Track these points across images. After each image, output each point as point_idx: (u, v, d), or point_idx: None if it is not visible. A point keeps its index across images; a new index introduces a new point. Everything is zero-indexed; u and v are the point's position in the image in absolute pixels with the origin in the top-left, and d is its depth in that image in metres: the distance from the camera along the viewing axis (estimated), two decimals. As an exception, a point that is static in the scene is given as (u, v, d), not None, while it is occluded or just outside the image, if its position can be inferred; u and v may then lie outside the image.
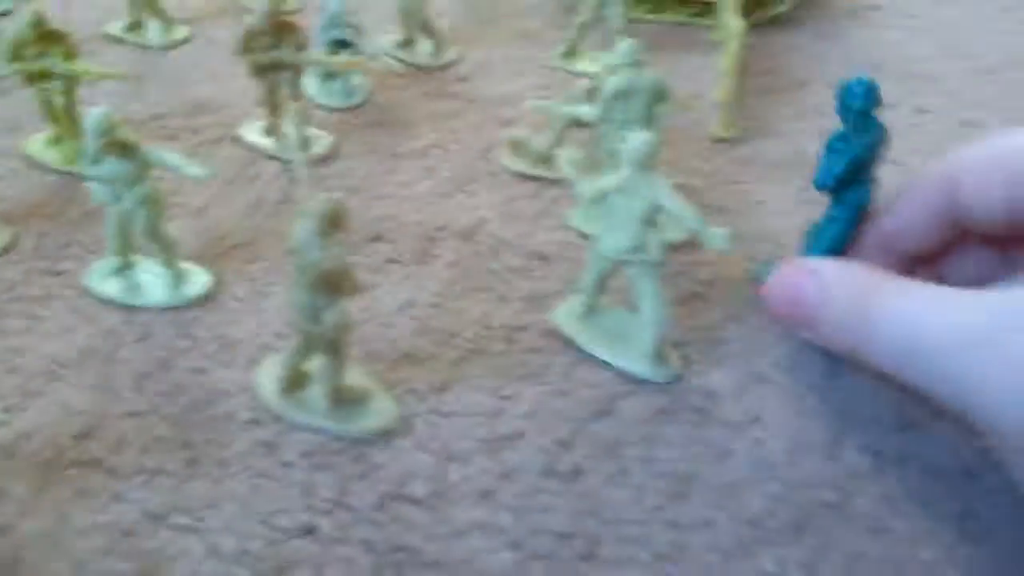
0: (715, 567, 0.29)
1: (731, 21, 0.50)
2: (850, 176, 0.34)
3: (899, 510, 0.31)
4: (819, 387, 0.36)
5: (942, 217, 0.33)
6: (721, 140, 0.51)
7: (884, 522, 0.31)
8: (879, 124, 0.34)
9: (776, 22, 0.65)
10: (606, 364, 0.36)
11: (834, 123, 0.35)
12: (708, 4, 0.64)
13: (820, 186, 0.35)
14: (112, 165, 0.36)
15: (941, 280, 0.32)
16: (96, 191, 0.37)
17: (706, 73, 0.57)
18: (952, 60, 0.61)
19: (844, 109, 0.34)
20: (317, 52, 0.46)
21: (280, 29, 0.44)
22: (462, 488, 0.32)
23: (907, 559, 0.30)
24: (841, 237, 0.36)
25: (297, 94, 0.47)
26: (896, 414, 0.35)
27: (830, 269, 0.32)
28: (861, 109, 0.34)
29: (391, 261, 0.42)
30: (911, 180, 0.34)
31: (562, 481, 0.32)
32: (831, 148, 0.35)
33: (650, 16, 0.65)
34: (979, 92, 0.57)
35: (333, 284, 0.30)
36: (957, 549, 0.30)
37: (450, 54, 0.59)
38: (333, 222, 0.29)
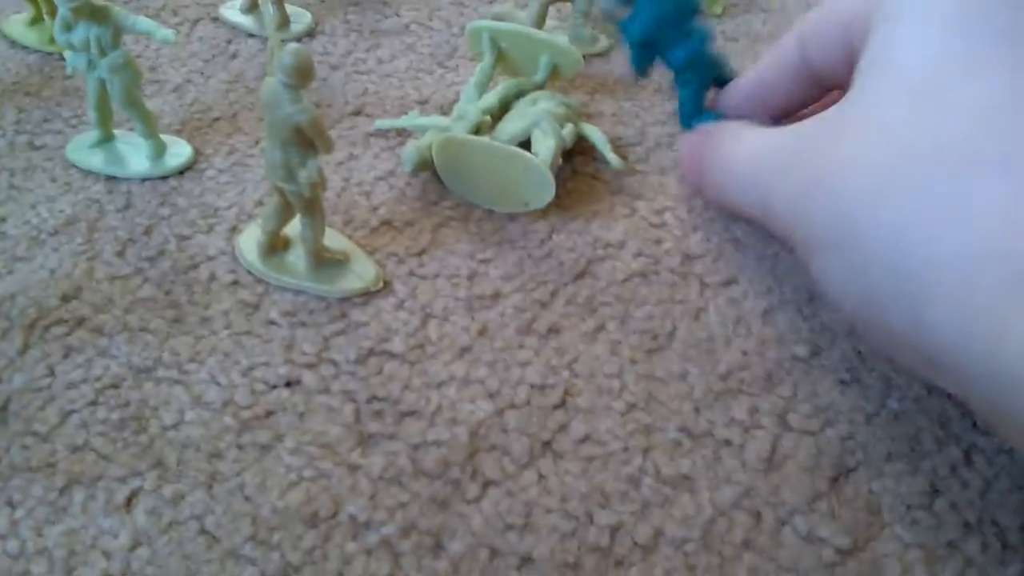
0: (687, 415, 0.30)
1: None
2: (652, 38, 0.35)
3: (869, 363, 0.32)
4: (794, 252, 0.36)
5: (798, 73, 0.34)
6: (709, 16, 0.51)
7: (855, 373, 0.32)
8: None
9: None
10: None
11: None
12: None
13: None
14: (84, 30, 0.35)
15: None
16: (70, 59, 0.36)
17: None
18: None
19: None
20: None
21: None
22: (440, 344, 0.32)
23: (876, 408, 0.31)
24: (685, 101, 0.37)
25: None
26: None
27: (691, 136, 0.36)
28: None
29: (372, 135, 0.41)
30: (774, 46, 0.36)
31: (539, 338, 0.33)
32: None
33: None
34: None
35: (305, 139, 0.30)
36: (925, 400, 0.31)
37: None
38: (301, 75, 0.29)
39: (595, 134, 0.39)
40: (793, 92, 0.35)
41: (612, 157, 0.38)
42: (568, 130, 0.39)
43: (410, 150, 0.38)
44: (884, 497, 0.28)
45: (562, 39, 0.41)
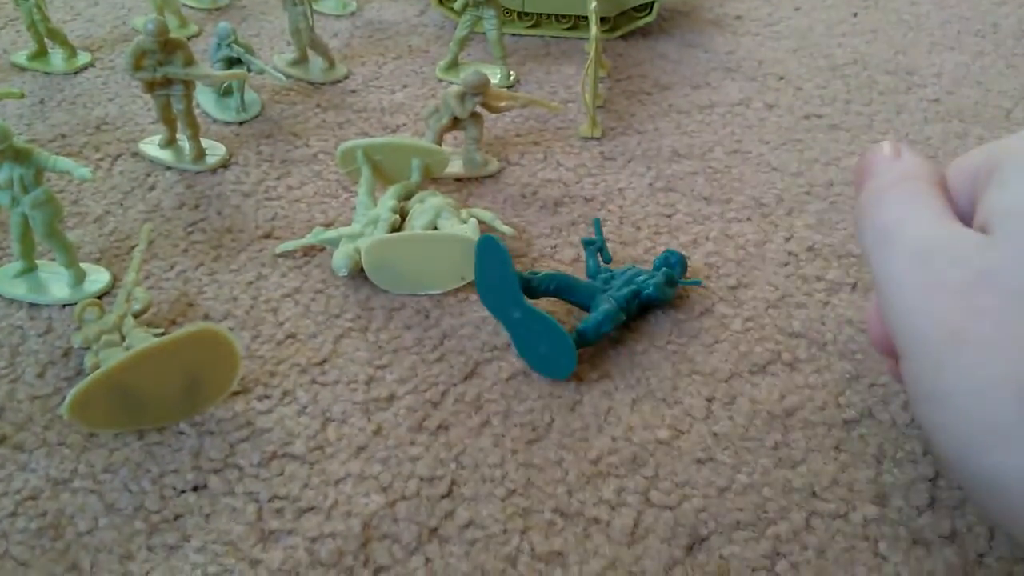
0: (561, 497, 0.34)
1: (591, 31, 0.55)
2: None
3: (723, 444, 0.36)
4: (661, 348, 0.41)
5: None
6: (590, 138, 0.56)
7: (709, 452, 0.36)
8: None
9: (646, 33, 0.71)
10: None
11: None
12: (582, 18, 0.69)
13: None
14: (7, 170, 0.39)
15: None
16: (-6, 197, 0.40)
17: (579, 80, 0.62)
18: (801, 61, 0.67)
19: None
20: (204, 67, 0.50)
21: (168, 46, 0.47)
22: (339, 444, 0.35)
23: (727, 482, 0.34)
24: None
25: (190, 108, 0.51)
26: (731, 365, 0.40)
27: (887, 158, 0.32)
28: None
29: (281, 256, 0.45)
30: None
31: (430, 434, 0.36)
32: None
33: (529, 31, 0.70)
34: (824, 89, 0.63)
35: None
36: (771, 473, 0.35)
37: (341, 70, 0.63)
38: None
39: (485, 214, 0.46)
40: None
41: (505, 228, 0.45)
42: (466, 213, 0.45)
43: (341, 258, 0.42)
44: (732, 562, 0.32)
45: (426, 142, 0.48)
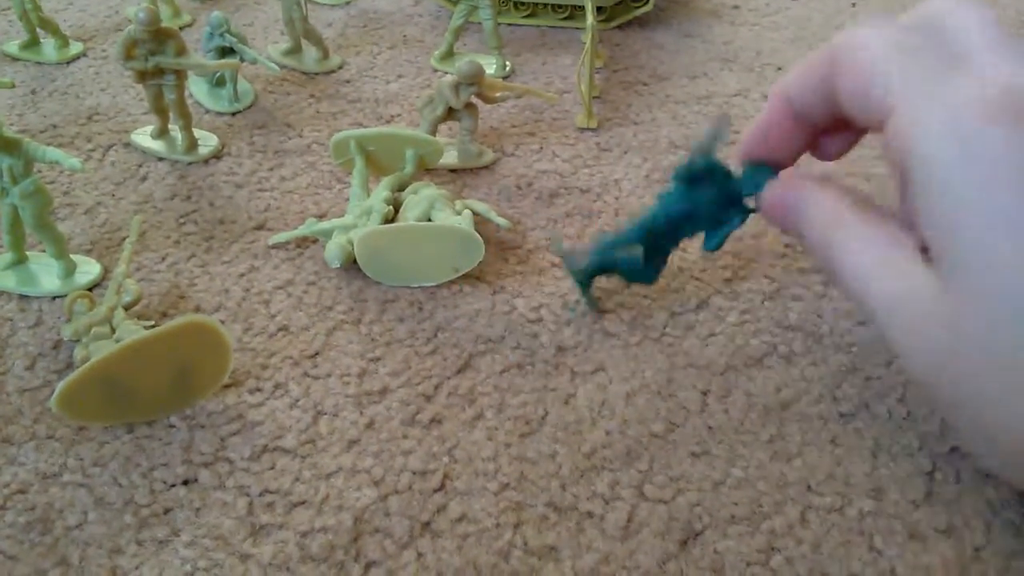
0: (554, 491, 0.33)
1: (587, 20, 0.55)
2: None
3: (719, 437, 0.36)
4: (656, 341, 0.40)
5: (790, 126, 0.35)
6: (586, 129, 0.56)
7: (704, 446, 0.35)
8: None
9: (642, 23, 0.70)
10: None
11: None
12: (578, 8, 0.68)
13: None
14: (-4, 162, 0.39)
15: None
16: (-16, 188, 0.40)
17: (575, 71, 0.62)
18: (799, 52, 0.67)
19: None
20: (196, 57, 0.49)
21: (160, 35, 0.47)
22: (330, 438, 0.35)
23: (722, 476, 0.34)
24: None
25: (182, 98, 0.50)
26: (727, 358, 0.39)
27: (812, 195, 0.34)
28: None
29: (273, 247, 0.45)
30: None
31: (422, 428, 0.36)
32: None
33: (525, 21, 0.70)
34: (822, 80, 0.63)
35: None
36: (767, 467, 0.35)
37: (335, 60, 0.63)
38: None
39: (479, 206, 0.45)
40: (790, 145, 0.36)
41: (500, 220, 0.45)
42: (460, 204, 0.44)
43: (334, 250, 0.42)
44: (727, 556, 0.31)
45: (421, 133, 0.48)
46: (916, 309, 0.29)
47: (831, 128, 0.35)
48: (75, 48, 0.64)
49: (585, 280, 0.40)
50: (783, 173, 0.36)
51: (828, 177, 0.35)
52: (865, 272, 0.31)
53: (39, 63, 0.62)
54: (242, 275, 0.43)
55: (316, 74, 0.62)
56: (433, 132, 0.51)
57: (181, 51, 0.48)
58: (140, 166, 0.51)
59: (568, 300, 0.42)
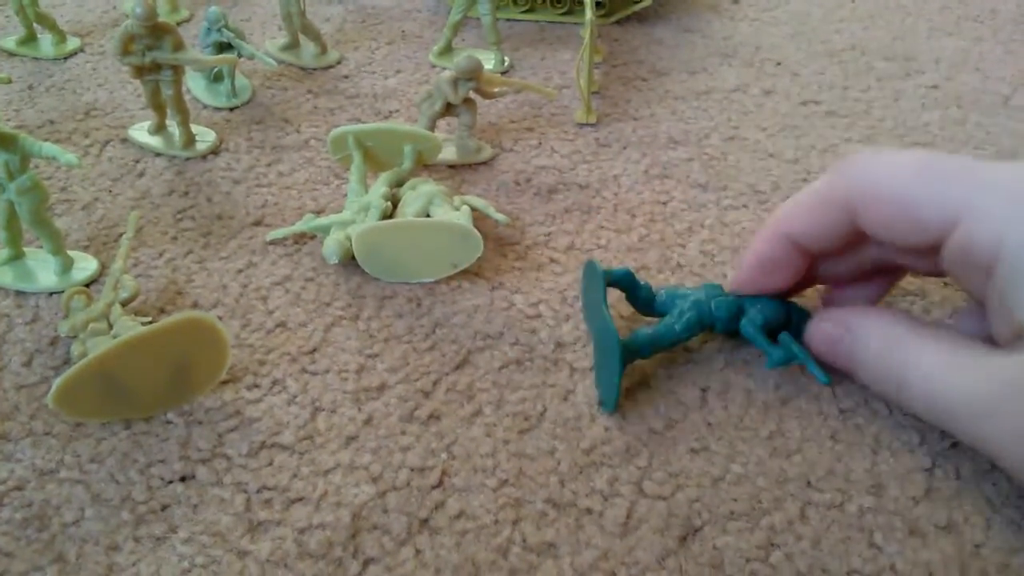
0: (553, 487, 0.33)
1: (586, 15, 0.55)
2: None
3: (718, 433, 0.36)
4: (655, 334, 0.40)
5: (790, 257, 0.36)
6: (585, 124, 0.56)
7: (703, 442, 0.35)
8: None
9: (642, 18, 0.70)
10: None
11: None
12: (577, 3, 0.68)
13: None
14: (-7, 157, 0.38)
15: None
16: (-20, 184, 0.39)
17: (574, 66, 0.62)
18: (799, 47, 0.67)
19: None
20: (194, 52, 0.49)
21: (157, 30, 0.46)
22: (328, 435, 0.35)
23: (722, 472, 0.34)
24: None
25: (179, 93, 0.50)
26: (726, 354, 0.39)
27: (864, 322, 0.35)
28: None
29: (271, 243, 0.45)
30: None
31: (421, 424, 0.36)
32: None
33: (524, 16, 0.69)
34: (821, 75, 0.63)
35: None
36: (766, 463, 0.35)
37: (333, 55, 0.62)
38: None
39: (478, 202, 0.45)
40: (792, 274, 0.37)
41: (499, 216, 0.44)
42: (459, 200, 0.44)
43: (332, 245, 0.42)
44: (727, 552, 0.31)
45: (419, 128, 0.47)
46: (1002, 392, 0.30)
47: (834, 252, 0.36)
48: (72, 44, 0.63)
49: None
50: (826, 311, 0.38)
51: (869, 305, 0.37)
52: (940, 374, 0.32)
53: (36, 59, 0.62)
54: (240, 271, 0.43)
55: (314, 69, 0.61)
56: (431, 128, 0.51)
57: (178, 46, 0.47)
58: (137, 162, 0.51)
59: (567, 295, 0.42)
